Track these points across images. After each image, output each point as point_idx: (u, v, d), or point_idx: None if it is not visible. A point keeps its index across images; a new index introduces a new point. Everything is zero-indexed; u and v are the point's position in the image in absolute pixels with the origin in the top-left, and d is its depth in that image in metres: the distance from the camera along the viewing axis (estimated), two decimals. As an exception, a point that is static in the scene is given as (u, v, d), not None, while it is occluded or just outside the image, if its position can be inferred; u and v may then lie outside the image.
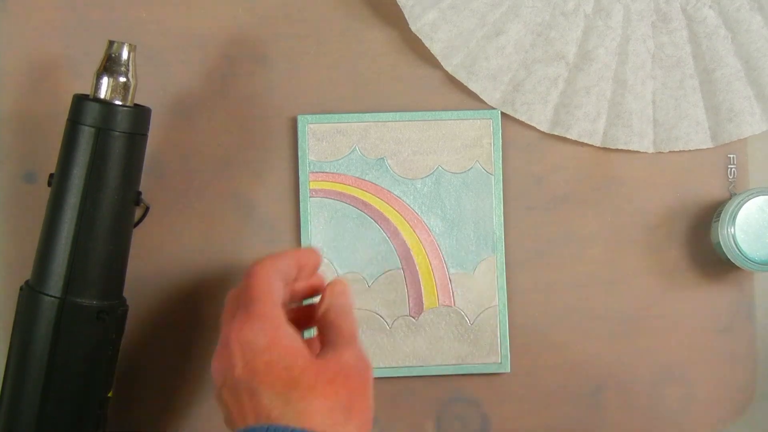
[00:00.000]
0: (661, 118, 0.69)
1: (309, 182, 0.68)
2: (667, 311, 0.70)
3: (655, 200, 0.71)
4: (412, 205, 0.69)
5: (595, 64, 0.68)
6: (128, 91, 0.62)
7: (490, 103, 0.69)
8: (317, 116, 0.69)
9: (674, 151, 0.69)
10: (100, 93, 0.61)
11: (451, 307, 0.68)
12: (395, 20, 0.69)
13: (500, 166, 0.69)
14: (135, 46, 0.62)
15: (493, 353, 0.69)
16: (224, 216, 0.69)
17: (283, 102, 0.69)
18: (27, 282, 0.62)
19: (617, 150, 0.70)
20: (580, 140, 0.69)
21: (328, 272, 0.67)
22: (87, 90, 0.62)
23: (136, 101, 0.63)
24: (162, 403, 0.69)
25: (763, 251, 0.66)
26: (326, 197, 0.69)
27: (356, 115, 0.69)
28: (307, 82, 0.69)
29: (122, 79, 0.61)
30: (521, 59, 0.68)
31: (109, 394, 0.63)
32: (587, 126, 0.69)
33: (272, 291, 0.56)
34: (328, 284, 0.59)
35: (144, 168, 0.64)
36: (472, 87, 0.68)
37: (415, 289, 0.69)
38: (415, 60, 0.69)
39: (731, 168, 0.70)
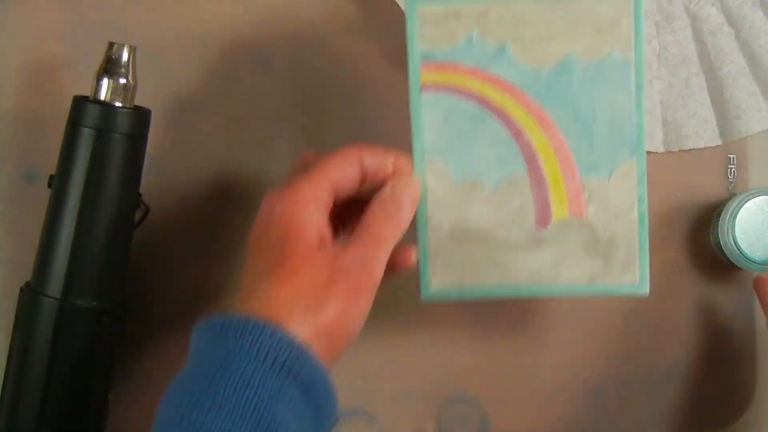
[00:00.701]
0: (670, 118, 0.69)
1: (419, 74, 0.59)
2: (667, 311, 0.71)
3: (654, 200, 0.71)
4: (538, 100, 0.59)
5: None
6: (128, 92, 0.62)
7: None
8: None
9: (684, 150, 0.69)
10: (100, 95, 0.61)
11: (582, 218, 0.59)
12: None
13: (642, 53, 0.59)
14: (135, 48, 0.62)
15: (630, 272, 0.59)
16: (225, 217, 0.69)
17: (283, 102, 0.69)
18: (27, 283, 0.62)
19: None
20: None
21: (442, 179, 0.59)
22: (87, 90, 0.62)
23: (136, 102, 0.63)
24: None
25: (763, 251, 0.66)
26: (439, 92, 0.59)
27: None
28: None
29: (122, 81, 0.61)
30: None
31: (110, 396, 0.63)
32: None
33: (328, 173, 0.54)
34: (395, 173, 0.56)
35: (144, 169, 0.64)
36: None
37: (541, 198, 0.59)
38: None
39: (731, 168, 0.70)
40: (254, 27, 0.69)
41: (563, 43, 0.59)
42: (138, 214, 0.64)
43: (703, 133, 0.69)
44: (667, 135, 0.69)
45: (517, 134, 0.59)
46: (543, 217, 0.59)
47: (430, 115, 0.59)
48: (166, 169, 0.69)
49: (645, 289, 0.59)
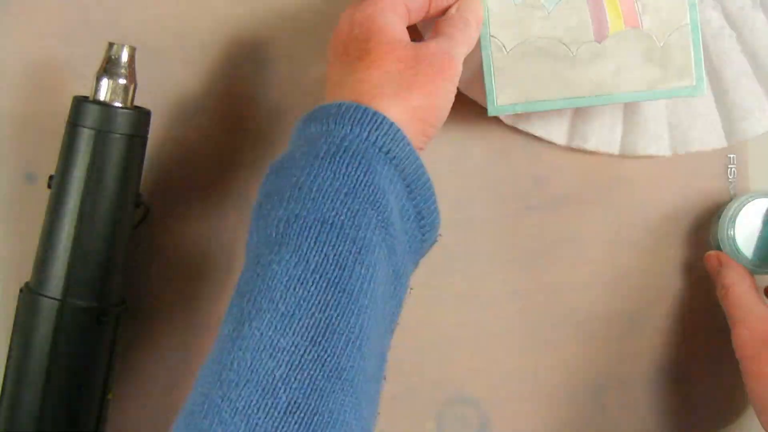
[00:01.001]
0: (675, 121, 0.69)
1: None
2: (667, 311, 0.71)
3: (655, 200, 0.71)
4: None
5: None
6: (128, 93, 0.62)
7: (506, 121, 0.68)
8: None
9: (690, 153, 0.69)
10: (99, 95, 0.61)
11: (637, 28, 0.63)
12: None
13: None
14: (135, 48, 0.62)
15: (687, 76, 0.63)
16: (225, 217, 0.69)
17: (283, 102, 0.69)
18: (27, 284, 0.62)
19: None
20: (598, 151, 0.69)
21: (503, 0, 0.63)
22: (87, 90, 0.62)
23: (136, 102, 0.63)
24: (162, 405, 0.69)
25: (762, 253, 0.66)
26: None
27: None
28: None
29: (122, 81, 0.61)
30: None
31: (109, 396, 0.63)
32: (605, 136, 0.68)
33: None
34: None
35: (144, 169, 0.64)
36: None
37: (598, 12, 0.63)
38: None
39: (731, 168, 0.70)
40: (254, 27, 0.69)
41: None
42: (137, 214, 0.64)
43: (708, 136, 0.69)
44: (673, 138, 0.69)
45: None
46: (600, 31, 0.62)
47: None
48: (166, 169, 0.69)
49: (702, 90, 0.63)
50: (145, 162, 0.64)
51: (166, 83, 0.69)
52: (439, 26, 0.58)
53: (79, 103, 0.61)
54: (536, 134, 0.68)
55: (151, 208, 0.65)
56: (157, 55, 0.69)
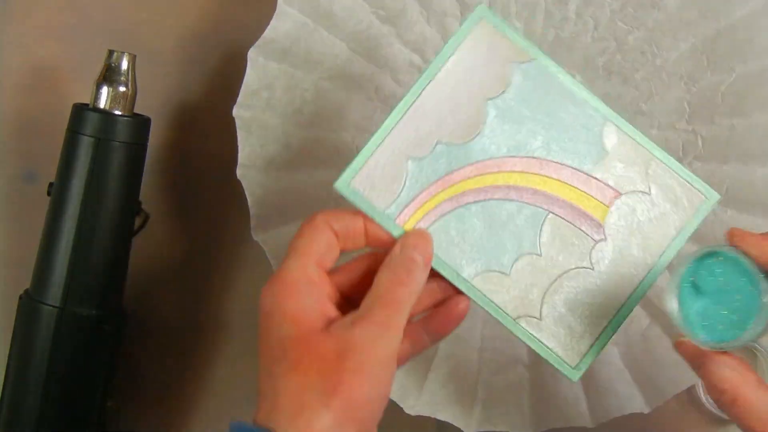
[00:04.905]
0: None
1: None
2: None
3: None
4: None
5: None
6: (128, 100, 0.61)
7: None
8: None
9: None
10: (99, 103, 0.61)
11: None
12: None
13: None
14: (135, 56, 0.62)
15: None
16: (224, 224, 0.69)
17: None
18: (26, 291, 0.63)
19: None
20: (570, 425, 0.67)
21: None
22: (87, 90, 0.62)
23: (136, 108, 0.62)
24: (162, 411, 0.70)
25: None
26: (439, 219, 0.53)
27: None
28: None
29: (122, 89, 0.61)
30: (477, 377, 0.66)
31: (109, 403, 0.63)
32: (574, 408, 0.66)
33: (304, 250, 0.50)
34: (406, 234, 0.52)
35: (144, 174, 0.64)
36: (441, 417, 0.65)
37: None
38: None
39: None
40: (254, 33, 0.69)
41: None
42: (137, 222, 0.64)
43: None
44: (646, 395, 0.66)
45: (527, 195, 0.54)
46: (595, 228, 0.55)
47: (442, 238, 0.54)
48: (166, 175, 0.69)
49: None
50: (145, 167, 0.64)
51: (167, 84, 0.69)
52: (378, 279, 0.50)
53: (79, 110, 0.61)
54: None
55: (150, 215, 0.65)
56: (158, 57, 0.68)
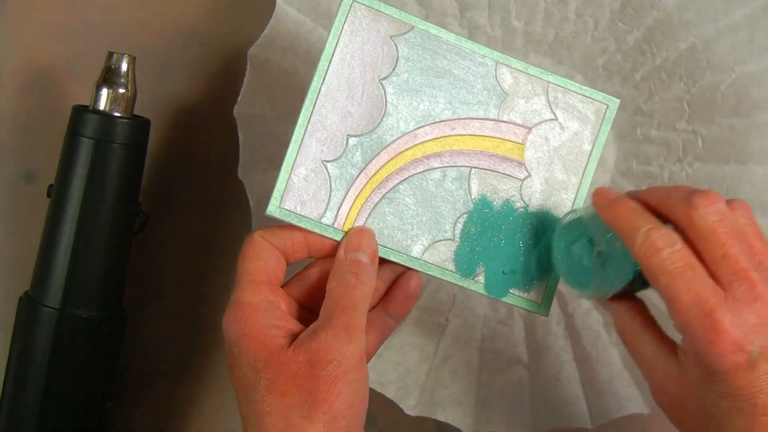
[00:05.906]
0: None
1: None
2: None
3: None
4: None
5: (552, 351, 0.67)
6: (127, 102, 0.61)
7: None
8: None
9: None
10: (99, 104, 0.61)
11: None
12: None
13: None
14: (134, 58, 0.62)
15: None
16: (225, 224, 0.69)
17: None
18: (26, 293, 0.63)
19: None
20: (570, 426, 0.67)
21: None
22: (87, 91, 0.62)
23: (136, 110, 0.62)
24: (163, 411, 0.70)
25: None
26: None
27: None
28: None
29: (121, 91, 0.61)
30: (476, 378, 0.67)
31: (108, 405, 0.63)
32: (574, 408, 0.67)
33: (250, 273, 0.51)
34: (344, 237, 0.53)
35: (144, 174, 0.64)
36: (440, 417, 0.66)
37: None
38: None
39: None
40: (254, 34, 0.68)
41: None
42: (137, 223, 0.64)
43: None
44: (646, 396, 0.66)
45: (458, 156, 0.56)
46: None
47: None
48: (165, 177, 0.69)
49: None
50: (145, 168, 0.64)
51: (166, 84, 0.69)
52: (330, 287, 0.51)
53: (79, 112, 0.61)
54: None
55: (150, 216, 0.65)
56: (157, 57, 0.68)
